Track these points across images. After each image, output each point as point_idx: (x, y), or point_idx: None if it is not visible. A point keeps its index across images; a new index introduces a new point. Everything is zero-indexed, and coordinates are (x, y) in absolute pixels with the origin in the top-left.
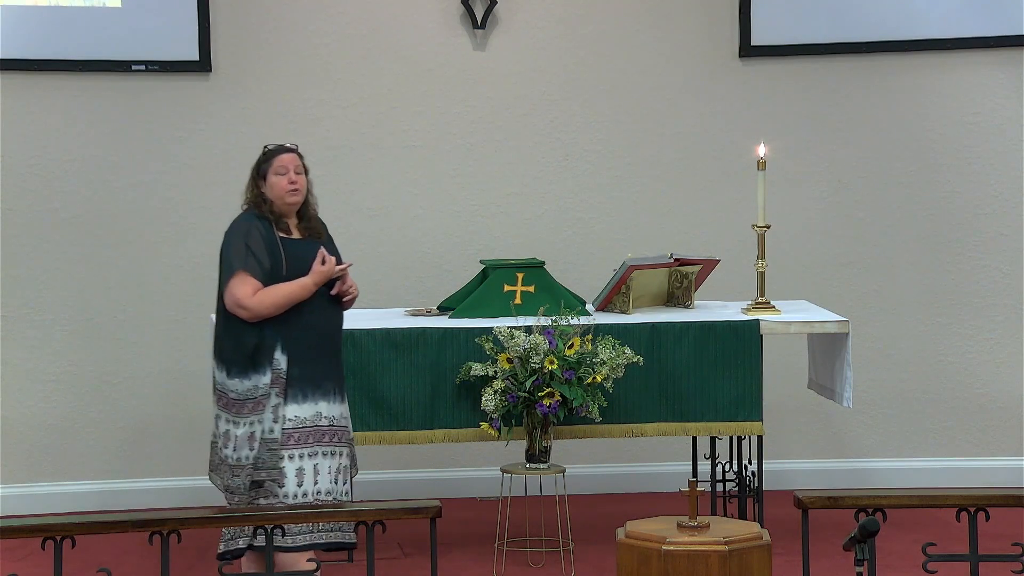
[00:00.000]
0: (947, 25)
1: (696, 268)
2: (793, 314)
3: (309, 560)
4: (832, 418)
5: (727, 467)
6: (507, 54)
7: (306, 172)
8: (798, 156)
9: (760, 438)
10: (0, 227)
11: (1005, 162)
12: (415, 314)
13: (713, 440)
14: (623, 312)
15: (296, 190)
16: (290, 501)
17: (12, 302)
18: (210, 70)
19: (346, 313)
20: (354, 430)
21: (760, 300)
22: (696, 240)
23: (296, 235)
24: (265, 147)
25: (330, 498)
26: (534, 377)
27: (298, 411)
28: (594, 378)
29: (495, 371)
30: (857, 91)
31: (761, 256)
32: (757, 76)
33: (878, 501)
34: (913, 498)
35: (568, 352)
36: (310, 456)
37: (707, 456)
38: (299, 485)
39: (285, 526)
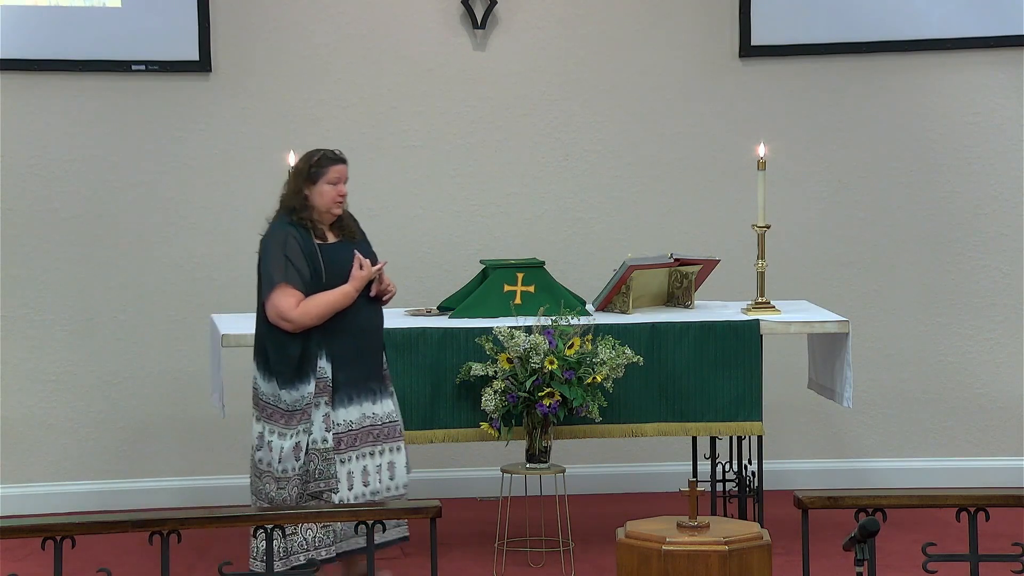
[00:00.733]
0: (947, 25)
1: (696, 268)
2: (793, 314)
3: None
4: (832, 418)
5: (727, 467)
6: (507, 54)
7: None
8: (798, 156)
9: (760, 438)
10: (0, 227)
11: (1005, 162)
12: (415, 314)
13: (713, 440)
14: (623, 312)
15: (342, 203)
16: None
17: (12, 302)
18: (210, 70)
19: None
20: None
21: (760, 300)
22: (696, 240)
23: (331, 238)
24: (321, 152)
25: (377, 497)
26: (534, 377)
27: (346, 415)
28: (594, 378)
29: (495, 371)
30: (857, 91)
31: (761, 256)
32: (757, 76)
33: (878, 501)
34: (913, 498)
35: (568, 352)
36: (358, 458)
37: (707, 456)
38: (349, 488)
39: (337, 531)
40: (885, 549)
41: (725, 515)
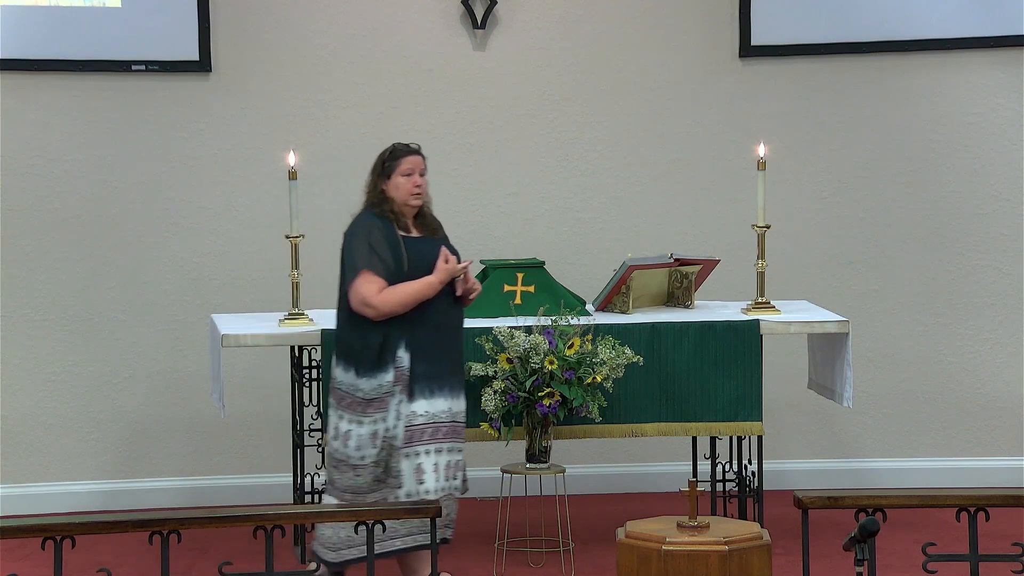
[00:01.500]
0: (947, 25)
1: (696, 268)
2: (793, 314)
3: (310, 560)
4: (832, 418)
5: (727, 467)
6: (507, 54)
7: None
8: (798, 156)
9: (760, 438)
10: (0, 227)
11: (1005, 162)
12: None
13: (713, 440)
14: (623, 312)
15: (420, 193)
16: (415, 499)
17: (12, 302)
18: (210, 70)
19: None
20: None
21: (760, 300)
22: (696, 240)
23: (415, 233)
24: (393, 145)
25: (445, 494)
26: (534, 377)
27: (425, 407)
28: (594, 378)
29: (495, 371)
30: (857, 91)
31: (761, 256)
32: (757, 76)
33: (878, 501)
34: (913, 498)
35: (568, 352)
36: (430, 453)
37: (707, 456)
38: (420, 483)
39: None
40: (885, 549)
41: (725, 515)
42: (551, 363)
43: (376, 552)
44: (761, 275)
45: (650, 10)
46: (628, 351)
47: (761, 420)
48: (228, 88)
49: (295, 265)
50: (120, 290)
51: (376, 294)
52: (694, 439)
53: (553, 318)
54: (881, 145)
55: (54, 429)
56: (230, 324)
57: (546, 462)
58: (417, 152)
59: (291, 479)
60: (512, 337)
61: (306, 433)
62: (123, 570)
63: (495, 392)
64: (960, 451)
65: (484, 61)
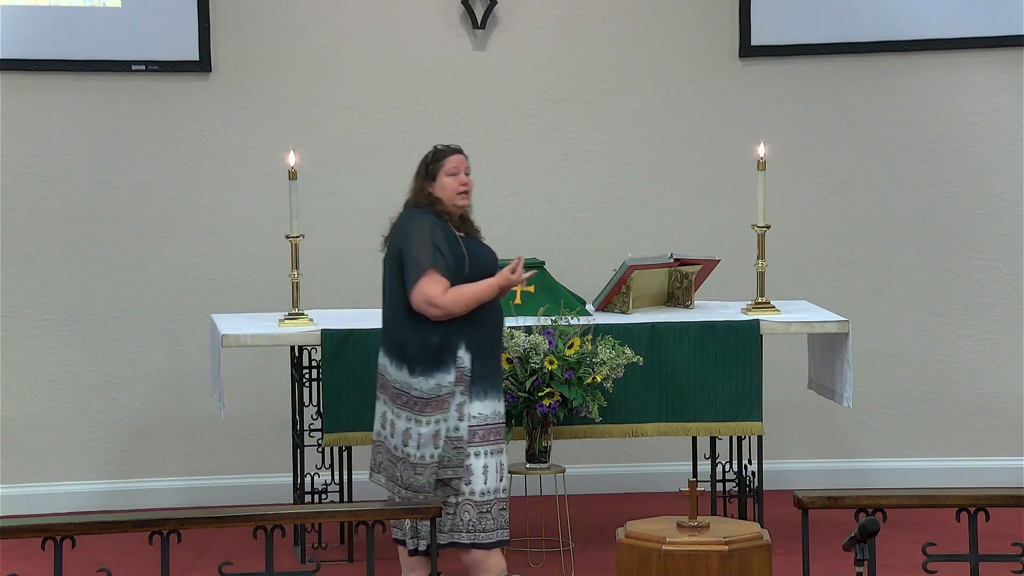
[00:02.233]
0: (947, 25)
1: (696, 268)
2: (793, 314)
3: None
4: (832, 418)
5: (727, 467)
6: (507, 54)
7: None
8: (798, 156)
9: (760, 438)
10: (0, 227)
11: (1005, 162)
12: None
13: (713, 440)
14: (623, 312)
15: (467, 192)
16: (477, 499)
17: (12, 302)
18: (210, 70)
19: (345, 313)
20: (354, 430)
21: (760, 300)
22: (696, 240)
23: (461, 234)
24: (435, 147)
25: (505, 495)
26: (534, 377)
27: (482, 408)
28: (594, 378)
29: None
30: (857, 91)
31: (761, 256)
32: (757, 76)
33: (878, 501)
34: (913, 498)
35: (568, 352)
36: (492, 453)
37: (707, 456)
38: (486, 483)
39: (480, 523)
40: (885, 549)
41: (725, 515)
42: (551, 363)
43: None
44: (761, 275)
45: (650, 10)
46: (628, 351)
47: (761, 420)
48: (228, 88)
49: (295, 265)
50: (120, 290)
51: (442, 294)
52: (694, 439)
53: (553, 318)
54: (881, 145)
55: (54, 429)
56: (230, 324)
57: (546, 462)
58: (460, 151)
59: (291, 479)
60: (512, 337)
61: (306, 433)
62: (123, 570)
63: None
64: (960, 451)
65: (484, 61)
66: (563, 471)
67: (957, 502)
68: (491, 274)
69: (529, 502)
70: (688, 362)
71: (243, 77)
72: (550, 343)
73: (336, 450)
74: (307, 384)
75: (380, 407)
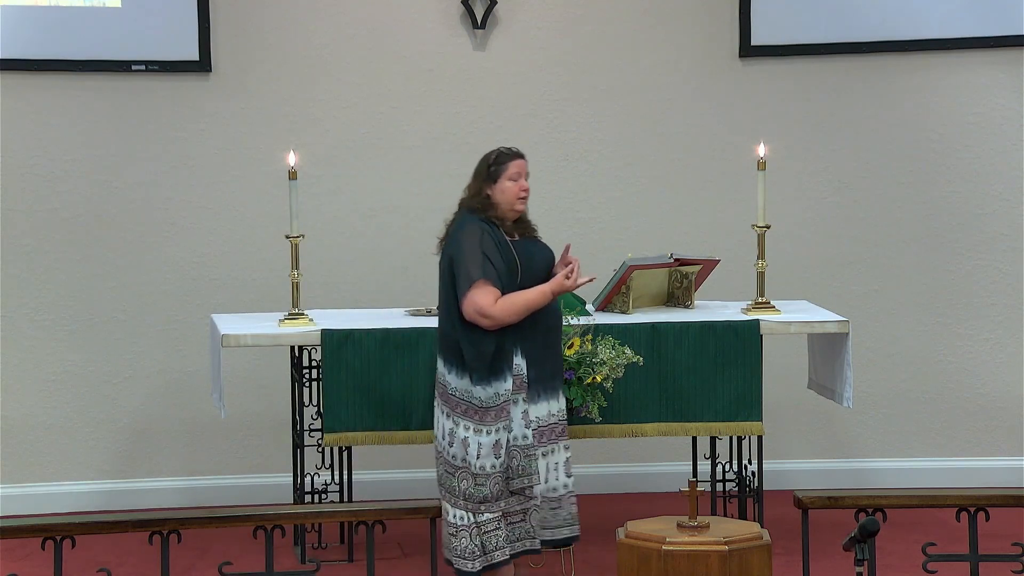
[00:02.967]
0: (947, 25)
1: (696, 268)
2: (793, 314)
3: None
4: (832, 418)
5: (727, 467)
6: (507, 54)
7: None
8: (798, 156)
9: (760, 438)
10: (0, 227)
11: (1005, 162)
12: (415, 314)
13: (713, 440)
14: (623, 312)
15: (526, 197)
16: (538, 502)
17: (12, 302)
18: (210, 70)
19: (345, 313)
20: (354, 430)
21: (760, 300)
22: (696, 240)
23: (515, 237)
24: (498, 149)
25: (566, 492)
26: None
27: (537, 412)
28: (594, 378)
29: None
30: (857, 91)
31: (761, 256)
32: (757, 76)
33: (878, 501)
34: (913, 498)
35: (568, 352)
36: (549, 454)
37: (707, 456)
38: (545, 482)
39: (547, 522)
40: (885, 549)
41: (725, 515)
42: None
43: (522, 550)
44: (761, 275)
45: (650, 10)
46: (628, 351)
47: (761, 420)
48: (228, 88)
49: (295, 265)
50: (120, 290)
51: (492, 305)
52: (694, 439)
53: None
54: (881, 145)
55: (54, 429)
56: (230, 324)
57: None
58: (522, 156)
59: (291, 479)
60: None
61: (306, 433)
62: (123, 570)
63: None
64: (960, 451)
65: (484, 61)
66: None
67: (957, 502)
68: (545, 275)
69: None
70: (688, 362)
71: (243, 77)
72: None
73: (336, 450)
74: (307, 384)
75: (440, 417)
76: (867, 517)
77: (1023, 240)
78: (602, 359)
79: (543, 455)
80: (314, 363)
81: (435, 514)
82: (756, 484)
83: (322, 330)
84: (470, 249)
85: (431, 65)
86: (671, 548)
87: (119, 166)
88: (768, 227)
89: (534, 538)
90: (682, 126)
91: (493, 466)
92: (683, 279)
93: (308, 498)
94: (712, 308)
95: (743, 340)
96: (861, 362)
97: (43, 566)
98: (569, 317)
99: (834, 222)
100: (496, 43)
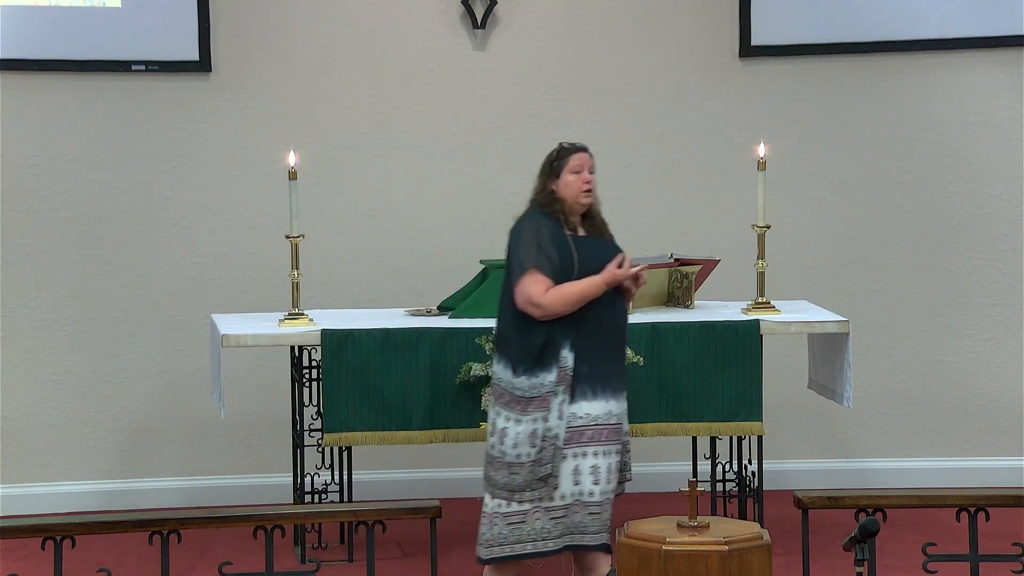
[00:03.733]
0: (947, 25)
1: (696, 268)
2: (793, 314)
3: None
4: (832, 418)
5: (727, 467)
6: (507, 54)
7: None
8: (798, 156)
9: (760, 438)
10: (0, 227)
11: (1005, 162)
12: (415, 314)
13: (713, 440)
14: None
15: (590, 190)
16: (567, 501)
17: (12, 302)
18: (210, 70)
19: (345, 313)
20: (354, 430)
21: (760, 300)
22: (696, 240)
23: (582, 233)
24: (560, 145)
25: (603, 497)
26: None
27: (588, 408)
28: None
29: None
30: (857, 91)
31: (761, 256)
32: (757, 76)
33: (878, 501)
34: (913, 498)
35: None
36: (587, 455)
37: (707, 456)
38: (575, 484)
39: (587, 525)
40: (885, 549)
41: (725, 515)
42: None
43: (544, 550)
44: (761, 275)
45: (650, 10)
46: (628, 351)
47: (761, 420)
48: (228, 88)
49: (295, 265)
50: (120, 290)
51: (543, 294)
52: (694, 439)
53: None
54: (881, 145)
55: (54, 429)
56: (230, 324)
57: None
58: (584, 150)
59: (291, 479)
60: None
61: (306, 433)
62: (123, 570)
63: None
64: (960, 451)
65: (484, 61)
66: None
67: (957, 502)
68: None
69: None
70: (688, 362)
71: (243, 77)
72: None
73: (336, 450)
74: (307, 384)
75: (489, 407)
76: (867, 517)
77: (1023, 240)
78: None
79: (596, 455)
80: (314, 363)
81: (435, 514)
82: (756, 484)
83: (322, 330)
84: (525, 239)
85: (431, 65)
86: (671, 548)
87: (119, 166)
88: (768, 227)
89: (557, 537)
90: (682, 126)
91: (528, 455)
92: (683, 279)
93: (308, 498)
94: (712, 308)
95: (743, 340)
96: (861, 362)
97: (43, 566)
98: None
99: (834, 222)
100: (496, 43)
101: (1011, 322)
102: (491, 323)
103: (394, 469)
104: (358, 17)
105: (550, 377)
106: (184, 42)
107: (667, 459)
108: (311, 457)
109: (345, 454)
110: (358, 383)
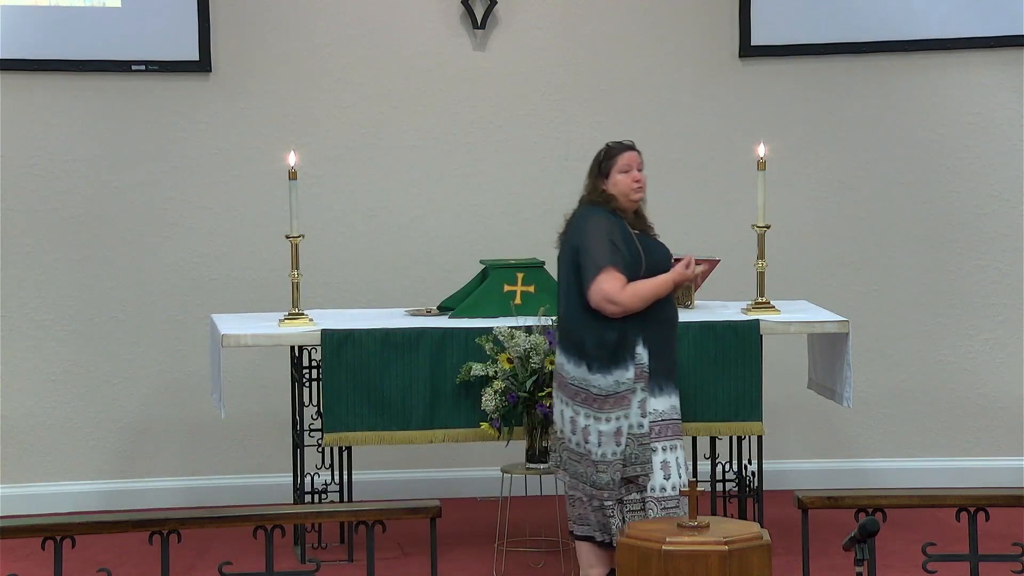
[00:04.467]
0: (947, 25)
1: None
2: (793, 314)
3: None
4: (832, 418)
5: (727, 467)
6: (507, 54)
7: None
8: (798, 156)
9: (760, 438)
10: (0, 227)
11: (1005, 162)
12: (415, 314)
13: (713, 440)
14: None
15: (641, 188)
16: (657, 495)
17: (12, 302)
18: (210, 70)
19: (345, 313)
20: (354, 430)
21: (760, 300)
22: (696, 240)
23: (636, 231)
24: (607, 144)
25: (675, 492)
26: (534, 377)
27: (656, 404)
28: None
29: (495, 371)
30: (857, 91)
31: (761, 256)
32: (757, 76)
33: (878, 501)
34: (913, 498)
35: None
36: (671, 449)
37: (707, 456)
38: (666, 478)
39: (623, 517)
40: (885, 549)
41: (725, 515)
42: (551, 363)
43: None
44: (761, 275)
45: (650, 10)
46: None
47: (761, 420)
48: (228, 88)
49: (295, 265)
50: (120, 290)
51: (620, 291)
52: (694, 439)
53: (553, 318)
54: (881, 145)
55: (54, 429)
56: (230, 324)
57: (546, 462)
58: (632, 148)
59: (291, 479)
60: (512, 337)
61: (306, 433)
62: (123, 570)
63: (495, 392)
64: (960, 451)
65: (484, 61)
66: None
67: (957, 502)
68: (665, 270)
69: (529, 502)
70: (688, 362)
71: (243, 77)
72: (550, 343)
73: (336, 450)
74: (307, 384)
75: (559, 405)
76: (867, 517)
77: (1023, 240)
78: None
79: (665, 449)
80: (314, 363)
81: (435, 514)
82: (756, 484)
83: (322, 330)
84: (598, 237)
85: (431, 65)
86: (671, 548)
87: (119, 166)
88: (768, 227)
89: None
90: (682, 126)
91: (614, 453)
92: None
93: (308, 498)
94: (712, 308)
95: (743, 340)
96: (861, 362)
97: (43, 566)
98: None
99: (834, 222)
100: (496, 43)
101: (1011, 322)
102: (492, 323)
103: (394, 469)
104: (358, 17)
105: (627, 374)
106: (184, 42)
107: None
108: (311, 457)
109: (345, 454)
110: (358, 383)
